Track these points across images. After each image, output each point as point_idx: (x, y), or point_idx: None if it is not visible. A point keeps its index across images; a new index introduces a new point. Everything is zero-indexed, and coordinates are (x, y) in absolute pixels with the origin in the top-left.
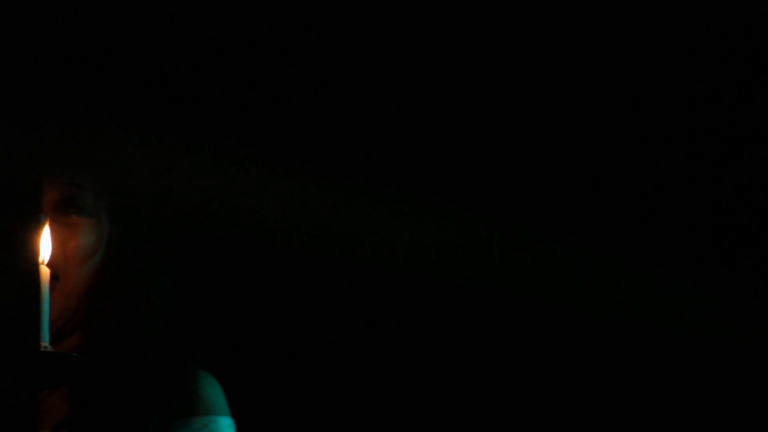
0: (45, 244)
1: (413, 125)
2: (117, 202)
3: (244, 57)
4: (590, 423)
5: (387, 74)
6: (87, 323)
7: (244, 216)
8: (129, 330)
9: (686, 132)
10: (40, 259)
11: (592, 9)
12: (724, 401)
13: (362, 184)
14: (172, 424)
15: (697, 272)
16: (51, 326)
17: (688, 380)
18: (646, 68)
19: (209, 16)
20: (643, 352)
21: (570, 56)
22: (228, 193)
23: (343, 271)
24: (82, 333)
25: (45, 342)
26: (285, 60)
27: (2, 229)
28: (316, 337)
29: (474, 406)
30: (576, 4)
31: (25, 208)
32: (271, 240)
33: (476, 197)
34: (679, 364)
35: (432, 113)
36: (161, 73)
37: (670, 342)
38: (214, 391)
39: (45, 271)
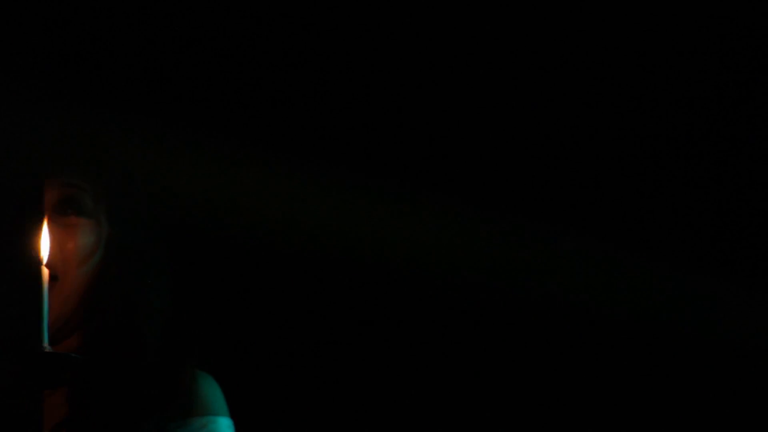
0: (44, 245)
1: (413, 125)
2: (116, 203)
3: (244, 57)
4: (590, 423)
5: (387, 74)
6: (86, 324)
7: (243, 216)
8: (128, 330)
9: (686, 132)
10: (41, 259)
11: (592, 9)
12: (724, 401)
13: (362, 184)
14: (170, 424)
15: (697, 272)
16: (50, 327)
17: (688, 380)
18: (646, 68)
19: (208, 16)
20: (643, 351)
21: (570, 56)
22: (226, 194)
23: (342, 270)
24: (81, 333)
25: (44, 342)
26: (285, 60)
27: (4, 230)
28: (315, 337)
29: (474, 406)
30: (576, 4)
31: (27, 208)
32: (271, 240)
33: (476, 197)
34: (679, 363)
35: (432, 113)
36: (161, 74)
37: (670, 342)
38: (213, 392)
39: (44, 272)
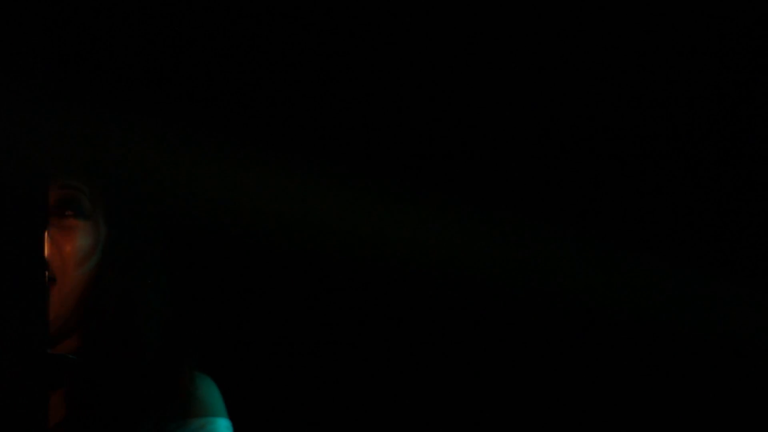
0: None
1: (413, 125)
2: (114, 204)
3: (243, 57)
4: (590, 423)
5: (387, 74)
6: (84, 325)
7: (242, 216)
8: (126, 331)
9: (686, 132)
10: (45, 261)
11: (592, 9)
12: (724, 401)
13: (362, 184)
14: (169, 424)
15: (697, 271)
16: (48, 328)
17: (688, 380)
18: (646, 68)
19: (208, 15)
20: (643, 351)
21: (570, 56)
22: (225, 194)
23: (342, 271)
24: (80, 335)
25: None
26: (285, 59)
27: (7, 231)
28: (315, 337)
29: (474, 406)
30: (576, 3)
31: (30, 209)
32: (270, 240)
33: (476, 196)
34: (679, 363)
35: (432, 113)
36: (160, 74)
37: (670, 342)
38: (211, 393)
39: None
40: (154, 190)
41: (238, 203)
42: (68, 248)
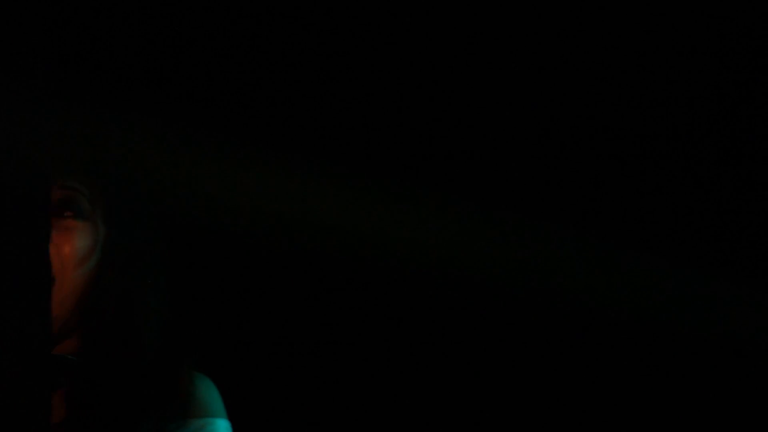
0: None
1: (413, 125)
2: (113, 205)
3: (243, 57)
4: (590, 423)
5: (387, 73)
6: (83, 326)
7: (241, 217)
8: (126, 331)
9: (686, 132)
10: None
11: (592, 9)
12: (725, 401)
13: (362, 184)
14: (169, 425)
15: (697, 271)
16: None
17: (688, 380)
18: (646, 68)
19: (208, 15)
20: (643, 351)
21: (570, 56)
22: (224, 194)
23: (342, 271)
24: (79, 335)
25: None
26: (285, 59)
27: (11, 232)
28: (315, 337)
29: (474, 406)
30: (576, 3)
31: (34, 210)
32: (269, 240)
33: (476, 196)
34: (679, 363)
35: (432, 113)
36: (158, 74)
37: (670, 342)
38: (210, 393)
39: None
40: (153, 191)
41: (237, 203)
42: (67, 249)
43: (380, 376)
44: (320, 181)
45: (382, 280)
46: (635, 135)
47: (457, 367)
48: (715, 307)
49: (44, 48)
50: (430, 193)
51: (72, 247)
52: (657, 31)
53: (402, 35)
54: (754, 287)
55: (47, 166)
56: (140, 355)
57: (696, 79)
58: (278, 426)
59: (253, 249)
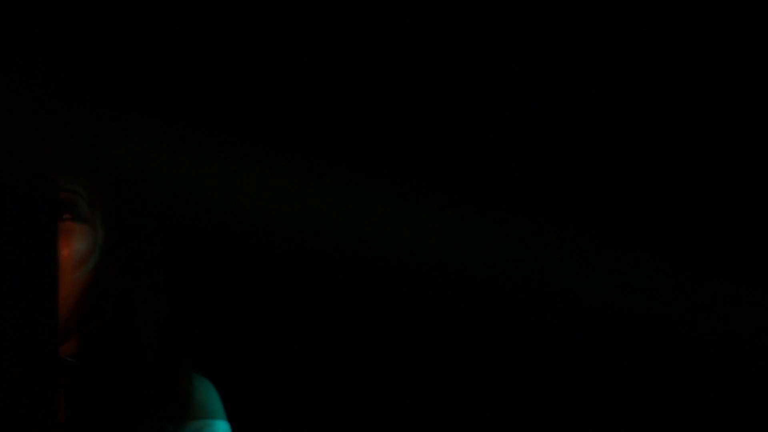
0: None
1: (413, 125)
2: (112, 207)
3: (243, 57)
4: (590, 423)
5: (387, 73)
6: (83, 327)
7: (241, 217)
8: (125, 333)
9: (686, 132)
10: (57, 261)
11: (592, 9)
12: (725, 401)
13: (362, 184)
14: (167, 427)
15: (697, 271)
16: None
17: (688, 380)
18: (646, 68)
19: (208, 15)
20: (643, 351)
21: (570, 56)
22: (224, 194)
23: (342, 271)
24: (78, 337)
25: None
26: (285, 59)
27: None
28: (314, 338)
29: (474, 406)
30: (576, 3)
31: (40, 211)
32: (269, 241)
33: (477, 196)
34: (680, 363)
35: (432, 112)
36: (159, 74)
37: (670, 342)
38: (209, 395)
39: None
40: (152, 191)
41: (237, 203)
42: (66, 252)
43: (380, 376)
44: (320, 181)
45: (382, 281)
46: (635, 135)
47: (458, 367)
48: (715, 307)
49: (44, 48)
50: (430, 193)
51: (71, 250)
52: (657, 31)
53: (402, 35)
54: (754, 287)
55: (53, 168)
56: (140, 356)
57: (696, 79)
58: (278, 427)
59: (252, 249)
